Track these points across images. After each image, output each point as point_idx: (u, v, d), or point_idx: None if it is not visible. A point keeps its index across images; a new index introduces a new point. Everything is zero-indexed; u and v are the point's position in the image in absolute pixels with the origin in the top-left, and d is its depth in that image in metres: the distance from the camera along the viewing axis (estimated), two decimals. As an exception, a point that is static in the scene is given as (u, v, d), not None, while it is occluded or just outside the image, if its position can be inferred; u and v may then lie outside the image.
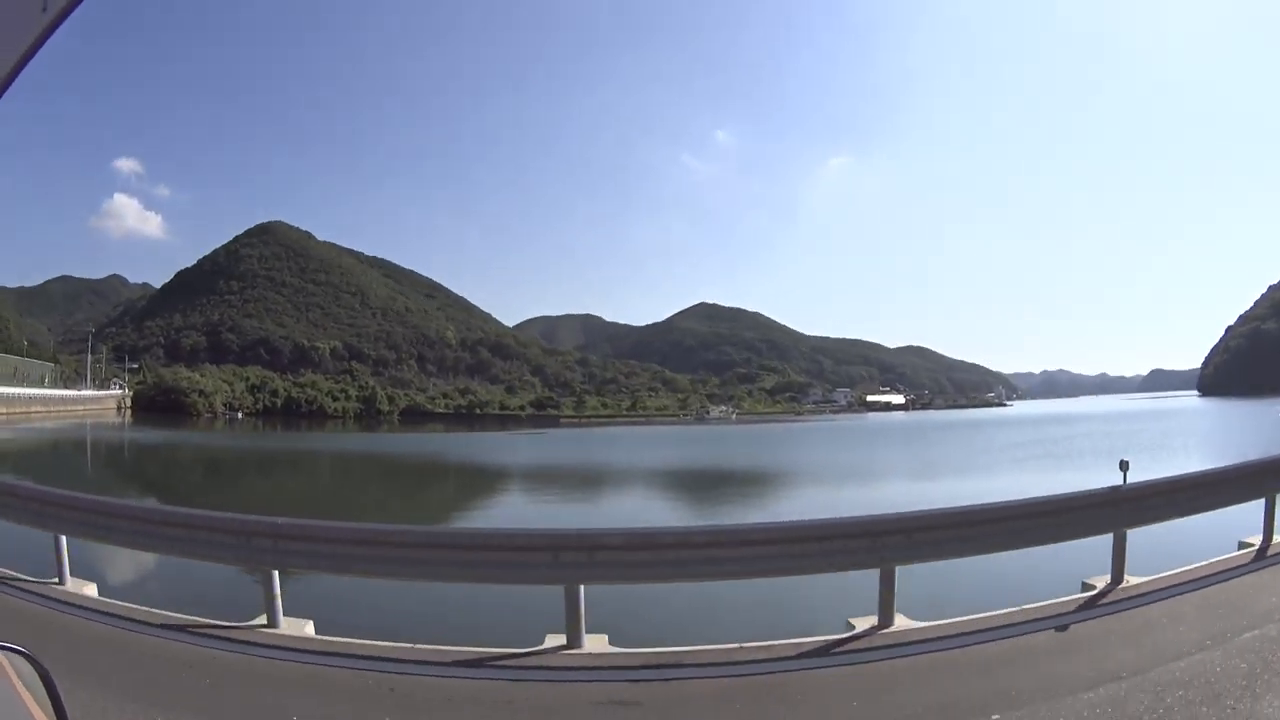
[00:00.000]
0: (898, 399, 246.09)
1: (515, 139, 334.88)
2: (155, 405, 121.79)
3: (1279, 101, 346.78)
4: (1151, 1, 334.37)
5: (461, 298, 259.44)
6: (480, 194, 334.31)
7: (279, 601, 7.65)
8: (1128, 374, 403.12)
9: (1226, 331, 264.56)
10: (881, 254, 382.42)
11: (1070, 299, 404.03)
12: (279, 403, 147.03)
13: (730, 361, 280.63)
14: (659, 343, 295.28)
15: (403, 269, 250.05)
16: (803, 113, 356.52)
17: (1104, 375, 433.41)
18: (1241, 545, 9.94)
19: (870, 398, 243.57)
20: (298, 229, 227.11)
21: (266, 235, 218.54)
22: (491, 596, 10.26)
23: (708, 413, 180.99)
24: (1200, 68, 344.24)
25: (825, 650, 6.97)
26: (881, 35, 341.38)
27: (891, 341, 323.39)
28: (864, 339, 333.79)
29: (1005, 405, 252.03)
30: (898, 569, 7.59)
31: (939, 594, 9.22)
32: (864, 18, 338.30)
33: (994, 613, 7.63)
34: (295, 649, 7.09)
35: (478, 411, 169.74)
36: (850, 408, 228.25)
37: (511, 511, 31.68)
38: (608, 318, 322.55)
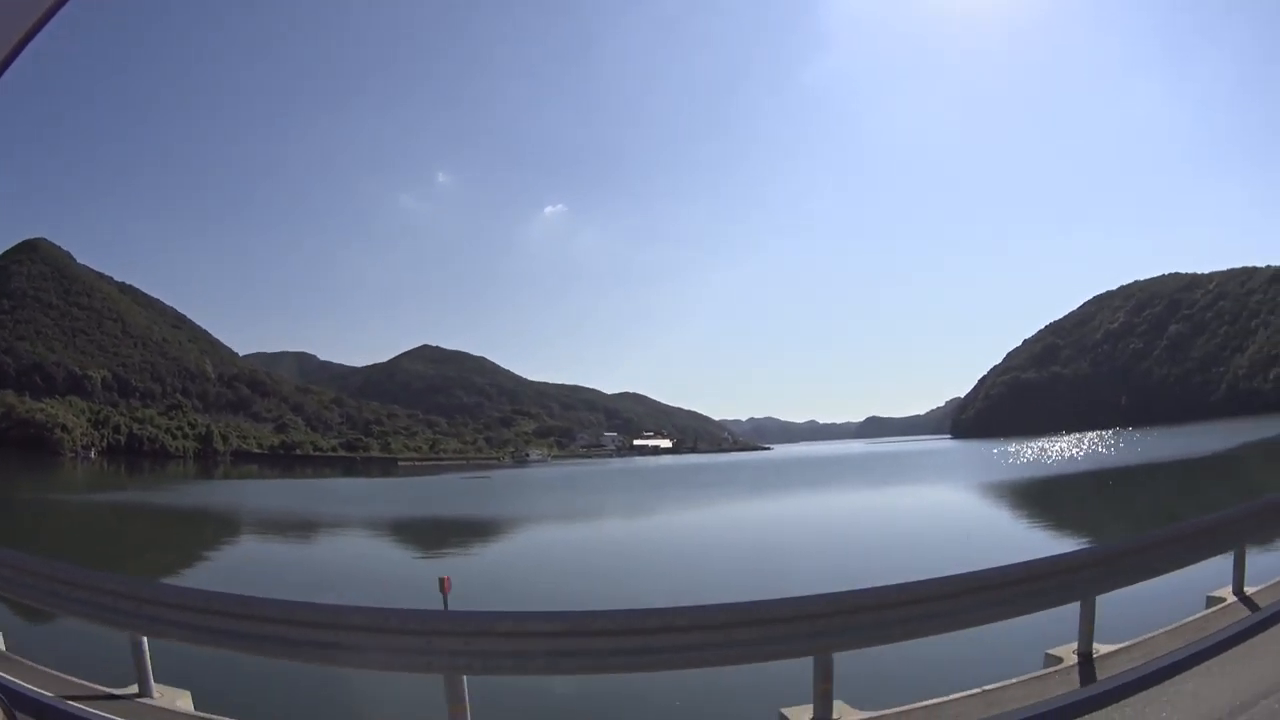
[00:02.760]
0: (666, 443, 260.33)
1: (234, 163, 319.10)
2: (5, 439, 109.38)
3: (1003, 173, 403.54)
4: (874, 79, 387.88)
5: (205, 330, 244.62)
6: (203, 216, 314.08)
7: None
8: (839, 421, 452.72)
9: (980, 382, 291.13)
10: (595, 301, 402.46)
11: (778, 349, 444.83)
12: (123, 440, 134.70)
13: (462, 405, 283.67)
14: (387, 384, 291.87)
15: (151, 297, 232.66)
16: (521, 158, 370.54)
17: (813, 422, 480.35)
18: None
19: (637, 441, 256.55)
20: (60, 249, 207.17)
21: (34, 253, 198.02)
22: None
23: (528, 455, 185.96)
24: (923, 130, 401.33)
25: None
26: (599, 88, 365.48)
27: (608, 387, 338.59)
28: (583, 384, 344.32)
29: (768, 449, 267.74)
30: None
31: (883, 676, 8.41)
32: (585, 73, 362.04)
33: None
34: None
35: (297, 453, 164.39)
36: (620, 451, 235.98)
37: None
38: (323, 356, 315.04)
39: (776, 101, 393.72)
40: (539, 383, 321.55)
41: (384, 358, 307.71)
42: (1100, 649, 7.50)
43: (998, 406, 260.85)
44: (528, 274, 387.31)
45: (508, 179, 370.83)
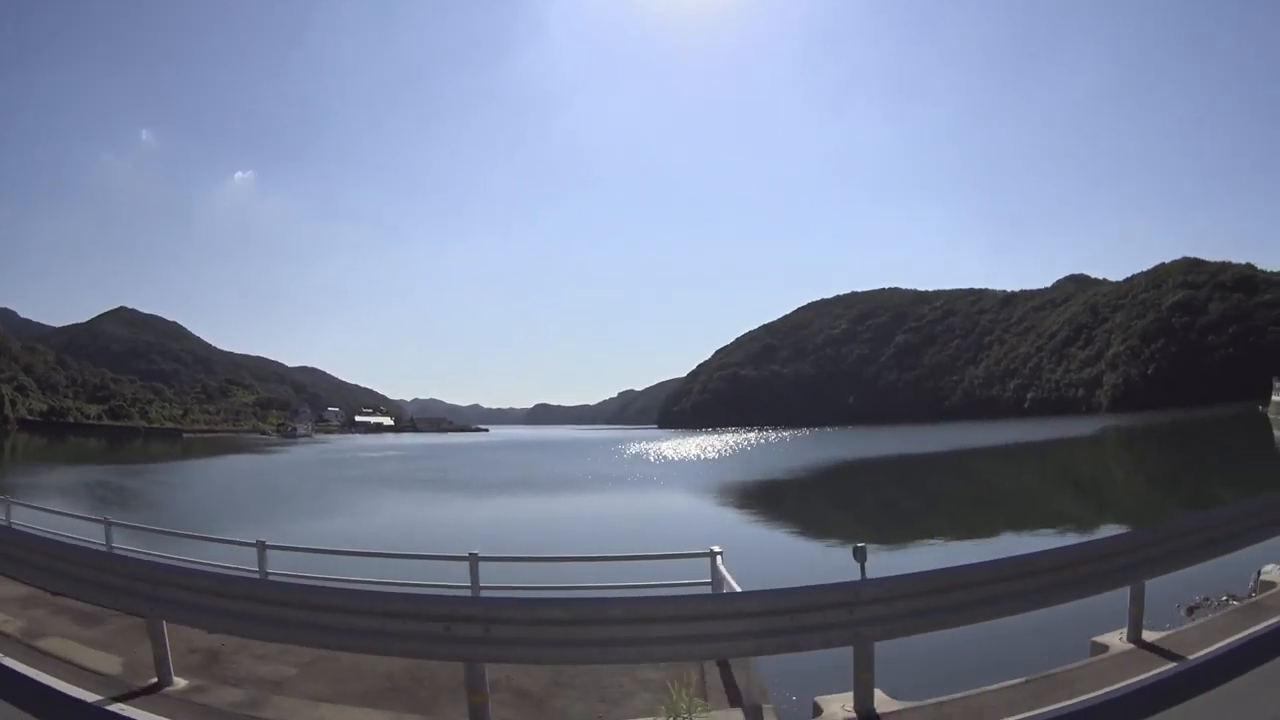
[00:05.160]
0: (388, 420, 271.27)
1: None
2: None
3: (701, 179, 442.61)
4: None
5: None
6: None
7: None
8: (504, 406, 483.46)
9: (690, 375, 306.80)
10: (276, 270, 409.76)
11: (442, 332, 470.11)
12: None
13: (161, 371, 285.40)
14: (89, 346, 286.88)
15: None
16: (222, 119, 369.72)
17: (478, 406, 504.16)
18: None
19: (359, 418, 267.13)
20: None
21: None
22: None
23: (295, 430, 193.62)
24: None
25: None
26: (304, 58, 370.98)
27: (290, 360, 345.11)
28: (267, 356, 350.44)
29: (483, 430, 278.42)
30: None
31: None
32: (292, 41, 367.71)
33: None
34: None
35: (68, 420, 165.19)
36: (343, 427, 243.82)
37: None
38: (22, 313, 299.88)
39: (477, 85, 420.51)
40: (229, 352, 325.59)
41: (82, 318, 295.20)
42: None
43: (715, 400, 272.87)
44: (215, 239, 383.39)
45: (206, 140, 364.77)
